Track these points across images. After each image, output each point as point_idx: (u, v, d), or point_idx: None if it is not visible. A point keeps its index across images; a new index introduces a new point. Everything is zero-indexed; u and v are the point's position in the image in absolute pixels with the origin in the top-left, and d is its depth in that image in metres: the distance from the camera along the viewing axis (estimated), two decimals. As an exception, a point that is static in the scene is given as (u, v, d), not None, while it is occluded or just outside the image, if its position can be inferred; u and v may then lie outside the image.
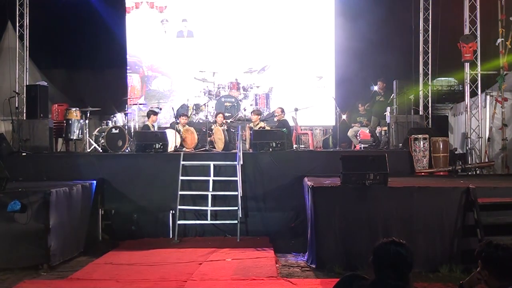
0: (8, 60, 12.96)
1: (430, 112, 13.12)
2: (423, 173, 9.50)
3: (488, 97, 11.24)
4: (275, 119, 11.35)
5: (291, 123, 11.19)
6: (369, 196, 7.04)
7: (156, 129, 11.42)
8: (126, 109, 11.69)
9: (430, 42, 13.02)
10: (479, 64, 11.22)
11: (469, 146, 11.21)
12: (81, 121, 10.76)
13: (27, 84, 12.47)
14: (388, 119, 11.59)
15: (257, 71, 12.96)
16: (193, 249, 8.10)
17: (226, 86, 12.41)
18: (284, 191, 9.07)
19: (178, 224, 8.74)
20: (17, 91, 11.92)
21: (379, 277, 2.90)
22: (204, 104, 11.93)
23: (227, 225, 8.95)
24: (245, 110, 11.96)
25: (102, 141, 10.45)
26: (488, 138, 11.03)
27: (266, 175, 9.23)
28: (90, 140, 10.83)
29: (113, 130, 10.33)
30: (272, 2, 14.16)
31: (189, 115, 11.75)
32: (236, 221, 8.72)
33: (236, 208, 8.75)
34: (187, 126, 10.95)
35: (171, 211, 8.96)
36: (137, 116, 12.36)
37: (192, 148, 10.50)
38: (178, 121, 11.10)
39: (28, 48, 13.02)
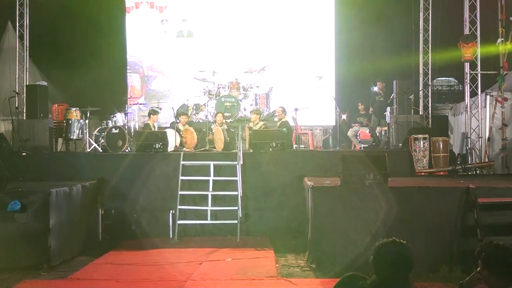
0: (8, 60, 12.97)
1: (430, 112, 13.12)
2: (423, 173, 9.50)
3: (488, 97, 11.25)
4: (276, 119, 11.34)
5: (291, 123, 11.18)
6: (369, 196, 7.03)
7: (156, 129, 11.42)
8: (126, 109, 11.69)
9: (430, 42, 13.03)
10: (479, 64, 11.23)
11: (469, 146, 11.21)
12: (81, 121, 10.76)
13: (27, 84, 12.48)
14: (388, 119, 11.60)
15: (257, 71, 12.93)
16: (193, 249, 8.11)
17: (226, 86, 12.38)
18: (284, 191, 9.06)
19: (178, 224, 8.74)
20: (17, 91, 11.93)
21: (379, 277, 2.90)
22: (204, 104, 11.92)
23: (227, 225, 8.94)
24: (245, 110, 11.95)
25: (102, 141, 10.46)
26: (488, 138, 11.03)
27: (266, 175, 9.22)
28: (90, 140, 10.83)
29: (113, 130, 10.34)
30: (272, 2, 14.16)
31: (189, 115, 11.75)
32: (236, 221, 8.71)
33: (236, 208, 8.74)
34: (187, 126, 10.95)
35: (171, 211, 8.96)
36: (137, 116, 12.37)
37: (192, 148, 10.50)
38: (178, 120, 11.10)
39: (28, 48, 13.03)
